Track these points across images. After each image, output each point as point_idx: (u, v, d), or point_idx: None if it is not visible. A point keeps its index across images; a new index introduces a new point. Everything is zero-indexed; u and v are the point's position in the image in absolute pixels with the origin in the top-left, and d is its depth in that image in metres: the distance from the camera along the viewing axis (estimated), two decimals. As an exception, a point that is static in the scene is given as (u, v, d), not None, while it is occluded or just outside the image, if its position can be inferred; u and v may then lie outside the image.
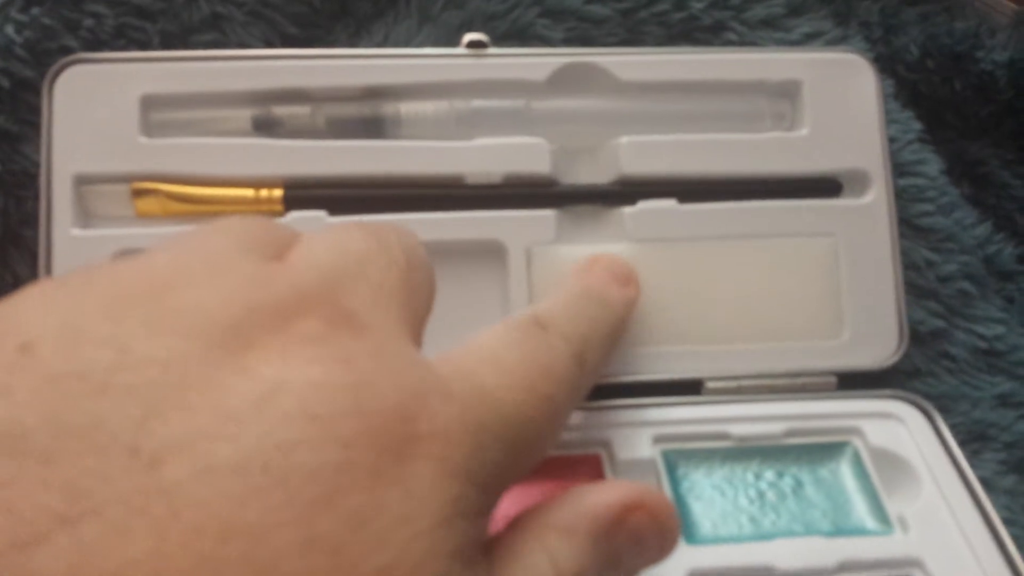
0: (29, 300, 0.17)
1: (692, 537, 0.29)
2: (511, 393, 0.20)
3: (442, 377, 0.18)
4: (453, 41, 0.34)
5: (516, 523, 0.20)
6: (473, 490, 0.17)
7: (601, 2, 0.37)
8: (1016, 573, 0.28)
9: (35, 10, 0.33)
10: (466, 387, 0.19)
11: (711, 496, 0.31)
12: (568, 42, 0.37)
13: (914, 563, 0.28)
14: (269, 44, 0.36)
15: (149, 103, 0.32)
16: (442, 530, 0.16)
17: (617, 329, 0.29)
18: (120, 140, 0.32)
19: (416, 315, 0.21)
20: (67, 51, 0.33)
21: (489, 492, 0.18)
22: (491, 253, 0.33)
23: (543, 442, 0.21)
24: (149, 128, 0.32)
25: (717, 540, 0.29)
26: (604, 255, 0.33)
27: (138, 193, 0.32)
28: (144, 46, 0.35)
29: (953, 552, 0.29)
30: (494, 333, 0.22)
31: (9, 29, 0.33)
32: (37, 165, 0.32)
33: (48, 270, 0.31)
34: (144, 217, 0.32)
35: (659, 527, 0.21)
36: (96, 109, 0.32)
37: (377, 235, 0.21)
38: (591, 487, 0.21)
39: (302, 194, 0.33)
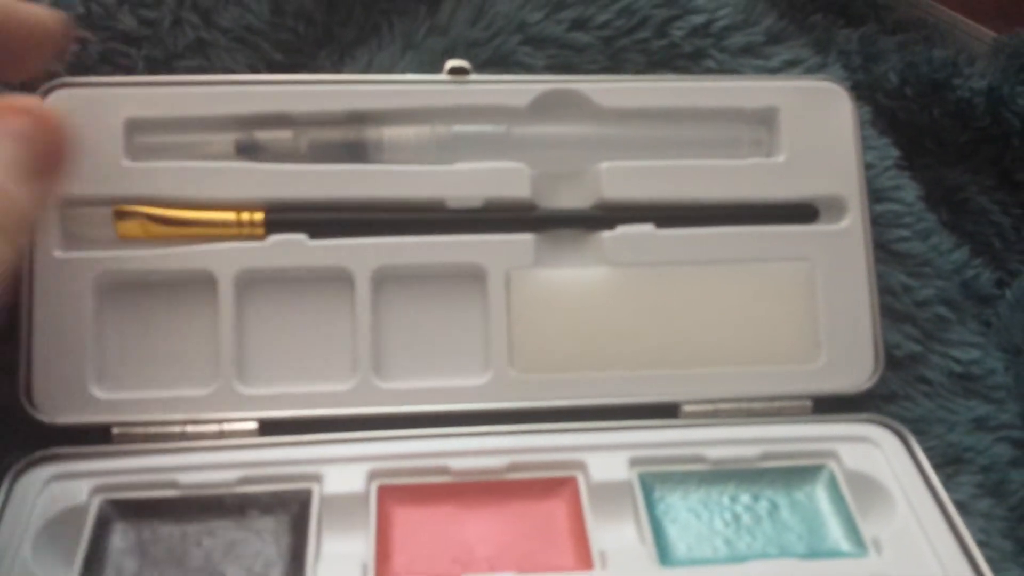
0: None
1: (667, 559, 0.29)
2: None
3: None
4: (436, 68, 0.35)
5: None
6: None
7: (583, 30, 0.37)
8: (989, 594, 0.28)
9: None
10: None
11: (687, 519, 0.31)
12: (550, 69, 0.37)
13: (888, 586, 0.29)
14: (254, 70, 0.36)
15: (133, 127, 0.33)
16: None
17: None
18: (105, 163, 0.32)
19: None
20: (52, 76, 0.33)
21: None
22: (471, 276, 0.34)
23: None
24: (133, 151, 0.33)
25: (692, 562, 0.29)
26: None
27: (120, 215, 0.32)
28: (129, 71, 0.35)
29: (926, 573, 0.29)
30: None
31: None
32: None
33: (30, 291, 0.31)
34: (125, 240, 0.32)
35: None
36: (81, 132, 0.32)
37: None
38: None
39: (284, 217, 0.33)
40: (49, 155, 0.26)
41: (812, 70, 0.39)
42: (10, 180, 0.25)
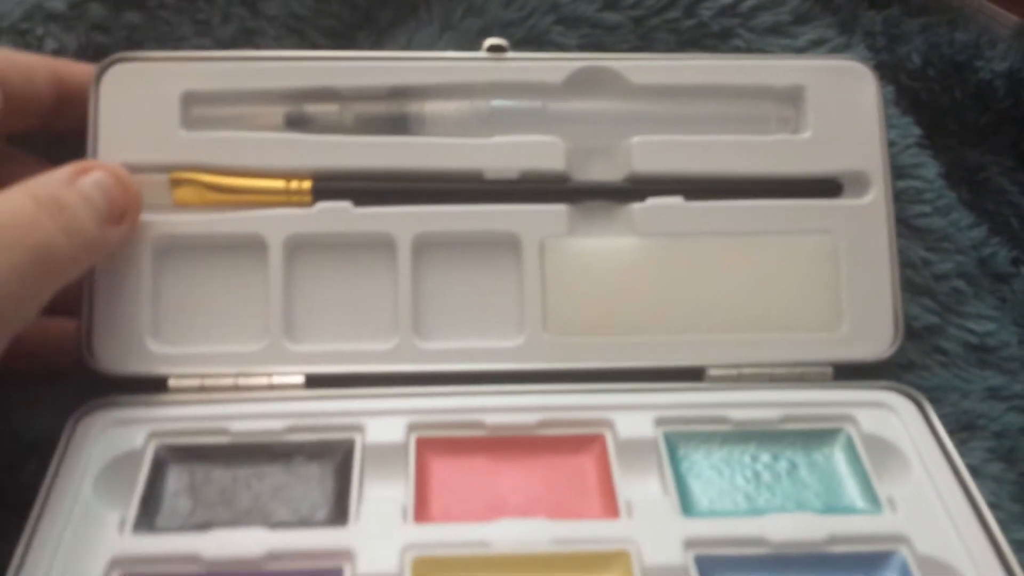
0: None
1: (690, 511, 0.31)
2: None
3: None
4: (472, 48, 0.36)
5: None
6: None
7: (614, 9, 0.39)
8: (999, 551, 0.30)
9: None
10: None
11: (709, 476, 0.32)
12: (582, 48, 0.39)
13: (901, 539, 0.30)
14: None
15: (189, 99, 0.35)
16: None
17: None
18: (161, 133, 0.34)
19: None
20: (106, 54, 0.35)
21: None
22: (507, 245, 0.35)
23: None
24: (189, 122, 0.35)
25: (713, 514, 0.31)
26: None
27: (176, 183, 0.34)
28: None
29: (939, 531, 0.30)
30: None
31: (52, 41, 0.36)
32: (83, 156, 0.34)
33: (94, 252, 0.33)
34: (181, 205, 0.34)
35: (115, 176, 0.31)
36: (140, 103, 0.34)
37: None
38: None
39: (330, 186, 0.35)
40: (123, 203, 0.32)
41: (837, 50, 0.40)
42: (92, 227, 0.30)
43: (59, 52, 0.36)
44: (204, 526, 0.29)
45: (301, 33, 0.39)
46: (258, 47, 0.38)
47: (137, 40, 0.37)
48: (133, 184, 0.33)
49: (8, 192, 0.28)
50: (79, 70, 0.34)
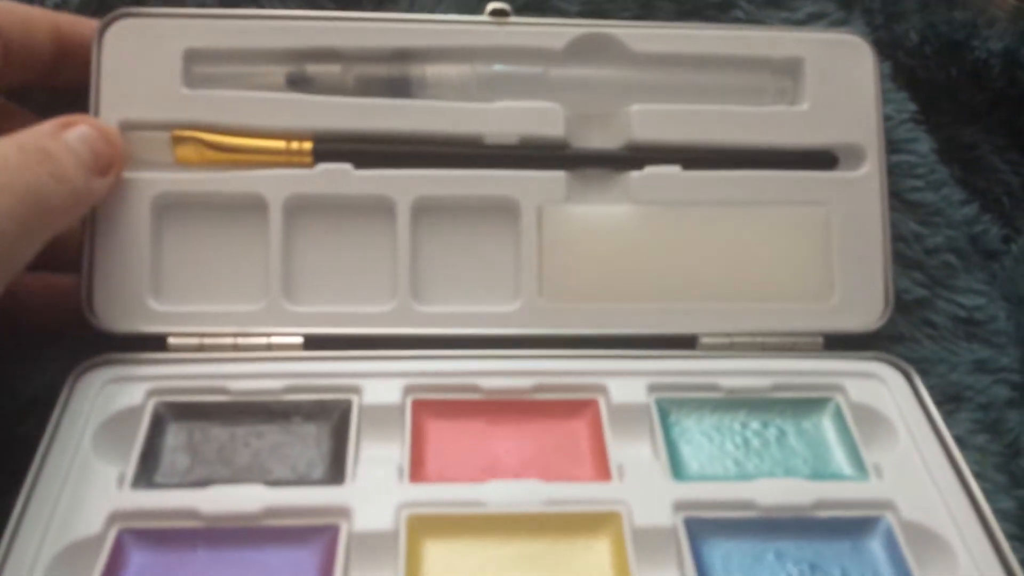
0: None
1: (680, 474, 0.31)
2: None
3: None
4: (474, 12, 0.36)
5: None
6: None
7: (617, -23, 0.39)
8: (982, 518, 0.30)
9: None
10: None
11: (700, 441, 0.33)
12: (584, 15, 0.39)
13: (886, 505, 0.30)
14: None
15: (192, 56, 0.35)
16: None
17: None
18: (163, 90, 0.34)
19: None
20: (111, 7, 0.35)
21: None
22: (505, 209, 0.35)
23: None
24: (191, 80, 0.35)
25: (703, 478, 0.32)
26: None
27: (178, 140, 0.34)
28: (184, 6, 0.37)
29: (924, 498, 0.31)
30: None
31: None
32: (86, 111, 0.34)
33: (92, 209, 0.33)
34: (182, 163, 0.34)
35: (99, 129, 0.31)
36: (142, 60, 0.34)
37: None
38: None
39: (331, 147, 0.35)
40: (108, 156, 0.32)
41: (835, 24, 0.40)
42: (78, 175, 0.30)
43: (61, 6, 0.36)
44: (202, 483, 0.30)
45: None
46: (261, 5, 0.37)
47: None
48: (118, 138, 0.33)
49: None
50: (81, 24, 0.34)
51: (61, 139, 0.30)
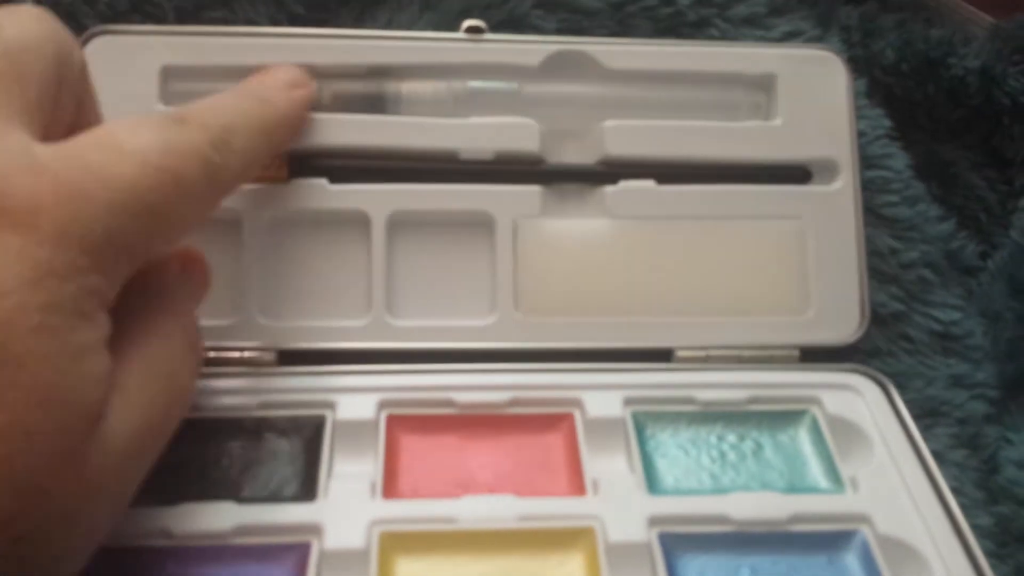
0: None
1: (655, 488, 0.31)
2: (120, 167, 0.22)
3: (36, 156, 0.21)
4: (451, 28, 0.37)
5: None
6: (74, 252, 0.20)
7: (593, -5, 0.39)
8: (959, 531, 0.30)
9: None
10: (65, 163, 0.21)
11: (675, 455, 0.33)
12: (560, 32, 0.39)
13: (862, 519, 0.30)
14: (275, 22, 0.38)
15: (169, 74, 0.35)
16: (29, 288, 0.20)
17: (276, 123, 0.31)
18: (141, 107, 0.34)
19: (28, 99, 0.23)
20: (84, 27, 0.35)
21: (106, 254, 0.22)
22: (481, 224, 0.35)
23: (175, 212, 0.24)
24: (168, 97, 0.35)
25: (678, 492, 0.31)
26: (280, 66, 0.34)
27: (153, 156, 0.34)
28: (159, 21, 0.37)
29: (900, 511, 0.31)
30: (125, 122, 0.24)
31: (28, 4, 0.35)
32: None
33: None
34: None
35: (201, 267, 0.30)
36: (119, 78, 0.34)
37: None
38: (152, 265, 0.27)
39: (307, 162, 0.35)
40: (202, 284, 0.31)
41: (811, 41, 0.40)
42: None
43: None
44: (172, 500, 0.29)
45: (279, 1, 0.38)
46: (234, 12, 0.38)
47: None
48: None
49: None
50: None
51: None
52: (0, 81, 0.22)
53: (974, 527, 0.30)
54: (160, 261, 0.28)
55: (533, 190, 0.36)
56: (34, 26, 0.24)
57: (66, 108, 0.25)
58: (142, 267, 0.27)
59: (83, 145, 0.23)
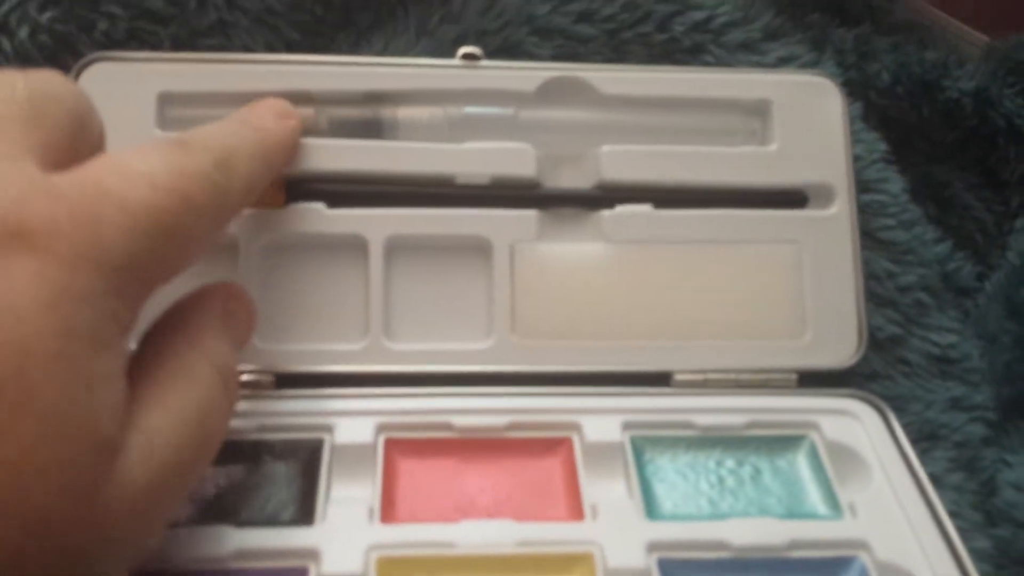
0: None
1: (653, 514, 0.31)
2: (133, 190, 0.22)
3: (54, 183, 0.21)
4: (448, 54, 0.37)
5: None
6: (93, 276, 0.20)
7: (588, 22, 0.39)
8: (958, 558, 0.30)
9: (50, 13, 0.36)
10: (81, 188, 0.22)
11: (674, 479, 0.33)
12: (556, 59, 0.39)
13: (860, 545, 0.30)
14: (271, 49, 0.39)
15: (166, 100, 0.35)
16: (48, 313, 0.19)
17: (272, 147, 0.31)
18: (138, 133, 0.34)
19: (44, 138, 0.23)
20: (80, 54, 0.35)
21: (123, 277, 0.22)
22: (477, 249, 0.36)
23: (187, 233, 0.24)
24: (165, 123, 0.35)
25: (676, 518, 0.31)
26: (267, 99, 0.35)
27: (152, 182, 0.34)
28: (155, 48, 0.37)
29: (899, 537, 0.31)
30: (133, 149, 0.25)
31: (23, 32, 0.36)
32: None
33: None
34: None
35: (245, 306, 0.30)
36: (116, 104, 0.34)
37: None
38: (190, 299, 0.28)
39: (304, 187, 0.35)
40: (245, 324, 0.31)
41: (806, 66, 0.41)
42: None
43: (37, 48, 0.36)
44: (170, 523, 0.29)
45: (274, 27, 0.39)
46: (230, 39, 0.38)
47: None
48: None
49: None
50: None
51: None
52: (21, 119, 0.23)
53: (972, 550, 0.30)
54: (200, 297, 0.28)
55: (529, 214, 0.36)
56: (59, 83, 0.25)
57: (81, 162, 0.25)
58: (180, 303, 0.27)
59: (96, 170, 0.23)
